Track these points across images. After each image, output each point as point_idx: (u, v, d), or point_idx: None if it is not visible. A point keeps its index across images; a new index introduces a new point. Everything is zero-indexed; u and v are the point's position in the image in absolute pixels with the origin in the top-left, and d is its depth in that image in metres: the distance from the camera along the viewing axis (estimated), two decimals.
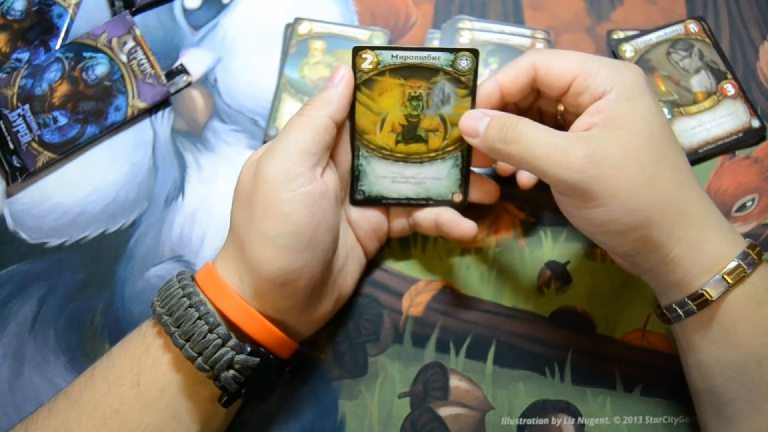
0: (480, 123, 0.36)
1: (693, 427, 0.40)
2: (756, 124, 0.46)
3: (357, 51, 0.37)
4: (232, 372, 0.34)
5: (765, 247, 0.44)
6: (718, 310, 0.33)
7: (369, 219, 0.41)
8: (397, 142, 0.39)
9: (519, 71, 0.37)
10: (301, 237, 0.34)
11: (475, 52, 0.37)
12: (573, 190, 0.33)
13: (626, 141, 0.33)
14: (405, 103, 0.38)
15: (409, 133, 0.39)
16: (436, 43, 0.49)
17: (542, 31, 0.49)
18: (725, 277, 0.32)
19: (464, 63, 0.37)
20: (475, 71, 0.38)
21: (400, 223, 0.42)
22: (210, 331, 0.33)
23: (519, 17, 0.50)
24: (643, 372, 0.41)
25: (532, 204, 0.45)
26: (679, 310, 0.34)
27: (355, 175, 0.40)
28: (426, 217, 0.40)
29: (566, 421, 0.40)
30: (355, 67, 0.38)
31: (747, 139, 0.46)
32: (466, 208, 0.41)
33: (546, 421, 0.40)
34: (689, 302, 0.34)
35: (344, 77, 0.37)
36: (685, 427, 0.40)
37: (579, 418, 0.40)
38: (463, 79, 0.38)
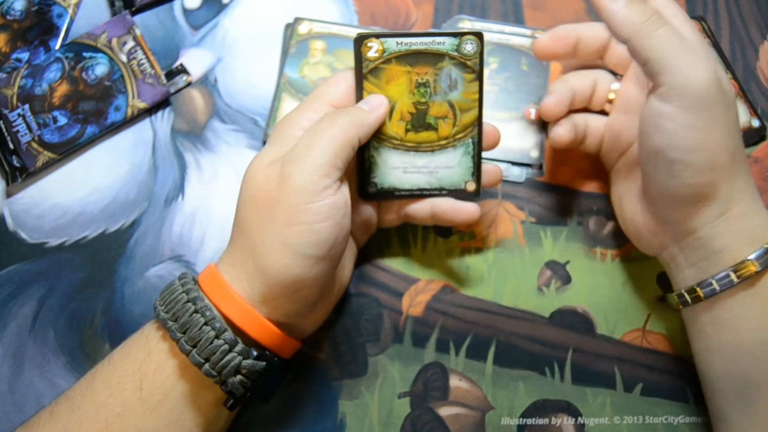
0: (616, 3, 0.35)
1: (693, 427, 0.40)
2: (756, 124, 0.46)
3: (362, 40, 0.37)
4: (239, 377, 0.34)
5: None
6: (758, 284, 0.33)
7: (361, 212, 0.41)
8: (407, 130, 0.39)
9: (605, 26, 0.36)
10: (322, 246, 0.34)
11: (479, 36, 0.37)
12: (689, 98, 0.33)
13: (717, 71, 0.34)
14: (413, 91, 0.38)
15: (419, 120, 0.39)
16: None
17: (542, 31, 0.49)
18: (756, 260, 0.33)
19: (469, 47, 0.37)
20: (480, 55, 0.37)
21: (390, 214, 0.42)
22: (217, 336, 0.33)
23: (519, 17, 0.50)
24: (643, 372, 0.41)
25: (532, 204, 0.45)
26: (715, 284, 0.34)
27: (366, 168, 0.40)
28: (421, 208, 0.40)
29: (566, 421, 0.40)
30: (360, 56, 0.37)
31: (747, 139, 0.46)
32: (479, 197, 0.40)
33: (546, 421, 0.40)
34: (732, 273, 0.34)
35: (382, 106, 0.38)
36: (685, 427, 0.40)
37: (579, 418, 0.40)
38: (469, 63, 0.37)
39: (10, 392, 0.41)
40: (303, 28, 0.49)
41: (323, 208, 0.34)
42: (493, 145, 0.40)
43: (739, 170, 0.34)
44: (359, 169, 0.40)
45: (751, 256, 0.33)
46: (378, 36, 0.37)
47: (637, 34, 0.34)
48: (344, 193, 0.35)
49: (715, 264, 0.35)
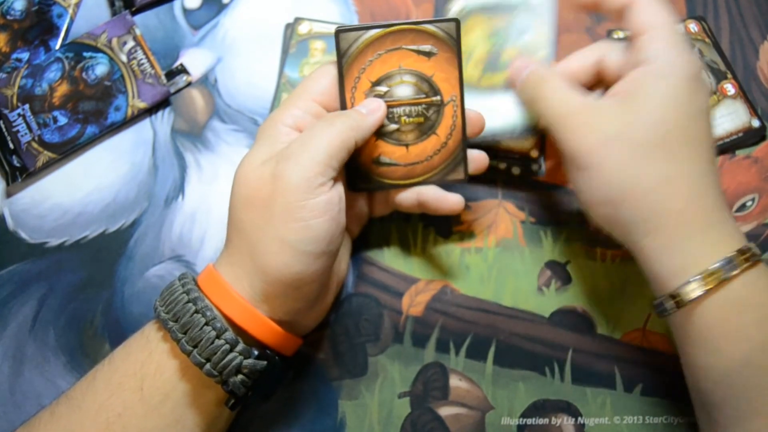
0: (522, 73, 0.39)
1: (693, 427, 0.40)
2: (756, 123, 0.46)
3: (339, 33, 0.37)
4: (240, 377, 0.34)
5: (764, 248, 0.44)
6: (696, 313, 0.32)
7: (353, 204, 0.41)
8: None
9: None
10: (320, 242, 0.34)
11: (456, 21, 0.38)
12: (576, 164, 0.35)
13: (629, 118, 0.33)
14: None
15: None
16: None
17: None
18: (702, 280, 0.31)
19: (444, 33, 0.38)
20: (458, 39, 0.38)
21: (381, 204, 0.42)
22: (218, 336, 0.33)
23: None
24: (643, 372, 0.41)
25: (532, 204, 0.45)
26: (663, 305, 0.34)
27: (356, 160, 0.39)
28: (407, 197, 0.40)
29: (566, 421, 0.40)
30: (339, 49, 0.38)
31: (747, 138, 0.46)
32: (467, 182, 0.40)
33: (546, 421, 0.40)
34: (666, 301, 0.33)
35: (379, 110, 0.38)
36: (685, 427, 0.40)
37: (579, 418, 0.40)
38: (449, 43, 0.38)
39: (10, 392, 0.41)
40: (303, 28, 0.49)
41: (319, 205, 0.34)
42: (478, 132, 0.40)
43: (642, 200, 0.33)
44: (349, 162, 0.40)
45: (681, 288, 0.32)
46: (356, 28, 0.37)
47: (531, 102, 0.38)
48: (339, 189, 0.36)
49: (656, 289, 0.34)
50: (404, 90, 0.39)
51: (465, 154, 0.40)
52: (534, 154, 0.43)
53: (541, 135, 0.42)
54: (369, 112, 0.37)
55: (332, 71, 0.38)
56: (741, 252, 0.32)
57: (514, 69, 0.40)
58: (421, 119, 0.39)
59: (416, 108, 0.39)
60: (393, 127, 0.39)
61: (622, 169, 0.33)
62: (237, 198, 0.36)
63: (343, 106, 0.38)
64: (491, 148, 0.43)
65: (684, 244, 0.33)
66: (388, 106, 0.38)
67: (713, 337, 0.32)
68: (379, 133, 0.39)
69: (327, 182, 0.34)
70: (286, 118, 0.37)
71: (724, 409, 0.33)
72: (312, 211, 0.34)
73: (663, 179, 0.33)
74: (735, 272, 0.31)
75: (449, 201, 0.39)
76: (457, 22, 0.38)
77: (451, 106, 0.39)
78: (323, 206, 0.34)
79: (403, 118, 0.39)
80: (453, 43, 0.38)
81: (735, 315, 0.32)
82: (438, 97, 0.39)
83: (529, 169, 0.45)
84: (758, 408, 0.32)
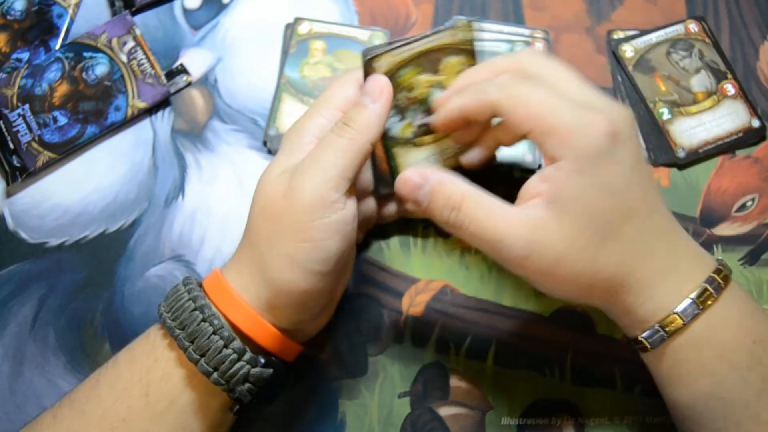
0: (420, 193, 0.34)
1: None
2: (756, 124, 0.46)
3: (369, 61, 0.35)
4: (247, 385, 0.34)
5: (764, 248, 0.44)
6: (663, 353, 0.33)
7: (362, 210, 0.40)
8: (423, 134, 0.38)
9: (480, 105, 0.34)
10: (330, 262, 0.34)
11: (469, 24, 0.37)
12: (520, 275, 0.34)
13: (568, 228, 0.31)
14: (420, 99, 0.38)
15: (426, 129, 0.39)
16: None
17: (541, 31, 0.49)
18: (663, 327, 0.32)
19: (461, 35, 0.37)
20: (472, 40, 0.37)
21: (389, 209, 0.42)
22: (225, 345, 0.33)
23: (519, 17, 0.50)
24: (643, 372, 0.41)
25: None
26: (634, 346, 0.35)
27: (390, 170, 0.38)
28: None
29: (566, 421, 0.40)
30: (367, 75, 0.36)
31: (747, 139, 0.46)
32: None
33: (546, 421, 0.40)
34: (633, 344, 0.34)
35: (384, 91, 0.35)
36: None
37: (579, 418, 0.40)
38: (466, 47, 0.37)
39: (10, 392, 0.41)
40: (303, 28, 0.49)
41: (332, 225, 0.33)
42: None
43: (607, 287, 0.33)
44: (376, 172, 0.39)
45: (643, 336, 0.33)
46: (383, 52, 0.36)
47: (449, 227, 0.34)
48: (352, 206, 0.34)
49: (625, 330, 0.35)
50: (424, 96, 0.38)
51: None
52: (528, 158, 0.42)
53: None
54: (374, 99, 0.35)
55: (358, 78, 0.36)
56: (699, 294, 0.32)
57: (405, 186, 0.35)
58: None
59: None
60: (413, 132, 0.38)
61: (579, 275, 0.32)
62: (254, 207, 0.35)
63: None
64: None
65: (646, 302, 0.33)
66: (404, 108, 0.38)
67: (678, 375, 0.33)
68: (400, 140, 0.38)
69: (340, 198, 0.33)
70: (311, 127, 0.36)
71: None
72: (324, 231, 0.33)
73: (618, 266, 0.32)
74: (695, 313, 0.32)
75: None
76: (469, 24, 0.37)
77: None
78: (335, 226, 0.33)
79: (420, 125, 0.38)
80: (469, 44, 0.37)
81: (697, 353, 0.32)
82: None
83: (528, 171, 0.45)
84: None
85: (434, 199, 0.34)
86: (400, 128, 0.38)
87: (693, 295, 0.32)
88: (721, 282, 0.33)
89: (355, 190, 0.35)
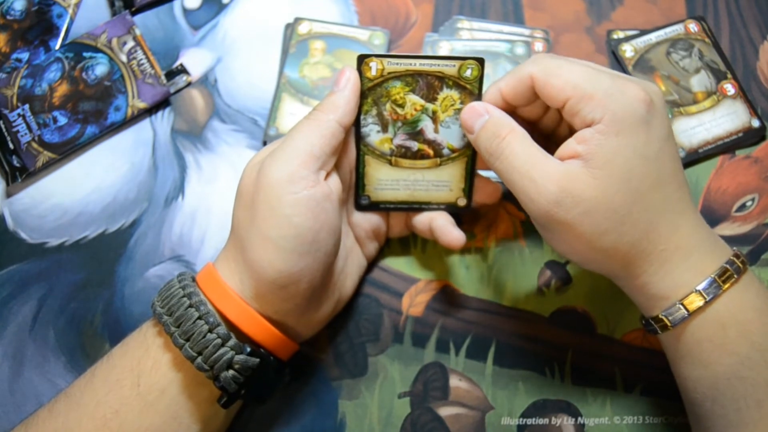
0: (478, 121, 0.36)
1: None
2: (756, 123, 0.46)
3: (362, 59, 0.37)
4: (231, 372, 0.34)
5: (764, 248, 0.44)
6: (683, 332, 0.33)
7: (369, 220, 0.41)
8: (400, 156, 0.39)
9: (518, 81, 0.35)
10: (302, 240, 0.34)
11: (480, 61, 0.37)
12: (540, 225, 0.34)
13: (602, 185, 0.32)
14: (409, 117, 0.38)
15: (409, 151, 0.39)
16: (435, 49, 0.49)
17: (541, 31, 0.49)
18: (684, 305, 0.32)
19: (469, 72, 0.37)
20: (480, 79, 0.37)
21: (398, 225, 0.42)
22: (210, 330, 0.33)
23: (519, 17, 0.50)
24: (643, 372, 0.41)
25: None
26: (650, 326, 0.35)
27: (359, 180, 0.40)
28: (422, 220, 0.41)
29: (566, 421, 0.40)
30: (361, 74, 0.37)
31: (747, 138, 0.46)
32: (470, 210, 0.41)
33: (546, 421, 0.40)
34: (653, 323, 0.34)
35: (350, 81, 0.37)
36: (685, 427, 0.40)
37: (579, 418, 0.40)
38: (468, 86, 0.38)
39: (10, 392, 0.41)
40: (303, 28, 0.49)
41: (301, 200, 0.34)
42: (493, 194, 0.41)
43: (629, 253, 0.33)
44: (355, 182, 0.40)
45: (665, 313, 0.33)
46: (379, 56, 0.37)
47: (488, 155, 0.36)
48: (325, 186, 0.35)
49: (644, 310, 0.35)
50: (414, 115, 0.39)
51: (472, 184, 0.40)
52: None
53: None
54: (341, 87, 0.37)
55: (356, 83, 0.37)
56: (721, 274, 0.33)
57: (468, 114, 0.37)
58: (429, 149, 0.39)
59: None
60: (403, 149, 0.39)
61: (603, 234, 0.32)
62: (235, 198, 0.37)
63: (357, 127, 0.38)
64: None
65: (666, 276, 0.33)
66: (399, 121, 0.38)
67: (700, 353, 0.33)
68: (376, 150, 0.39)
69: (309, 176, 0.34)
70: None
71: (715, 419, 0.33)
72: (293, 206, 0.33)
73: (643, 232, 0.33)
74: (717, 292, 0.32)
75: (450, 235, 0.39)
76: (481, 61, 0.37)
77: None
78: (305, 202, 0.34)
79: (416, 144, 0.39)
80: (473, 87, 0.37)
81: (720, 331, 0.33)
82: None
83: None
84: (746, 418, 0.32)
85: (485, 127, 0.36)
86: (378, 139, 0.39)
87: (714, 274, 0.32)
88: (740, 265, 0.33)
89: (334, 175, 0.37)
